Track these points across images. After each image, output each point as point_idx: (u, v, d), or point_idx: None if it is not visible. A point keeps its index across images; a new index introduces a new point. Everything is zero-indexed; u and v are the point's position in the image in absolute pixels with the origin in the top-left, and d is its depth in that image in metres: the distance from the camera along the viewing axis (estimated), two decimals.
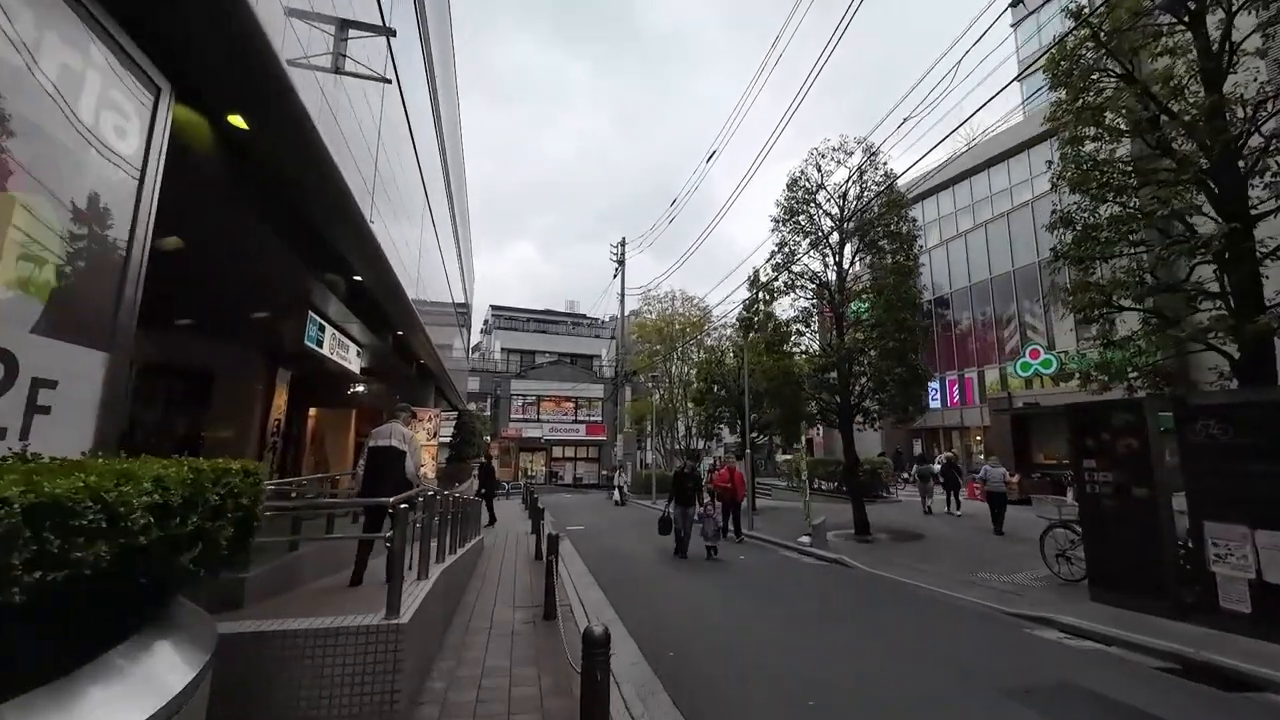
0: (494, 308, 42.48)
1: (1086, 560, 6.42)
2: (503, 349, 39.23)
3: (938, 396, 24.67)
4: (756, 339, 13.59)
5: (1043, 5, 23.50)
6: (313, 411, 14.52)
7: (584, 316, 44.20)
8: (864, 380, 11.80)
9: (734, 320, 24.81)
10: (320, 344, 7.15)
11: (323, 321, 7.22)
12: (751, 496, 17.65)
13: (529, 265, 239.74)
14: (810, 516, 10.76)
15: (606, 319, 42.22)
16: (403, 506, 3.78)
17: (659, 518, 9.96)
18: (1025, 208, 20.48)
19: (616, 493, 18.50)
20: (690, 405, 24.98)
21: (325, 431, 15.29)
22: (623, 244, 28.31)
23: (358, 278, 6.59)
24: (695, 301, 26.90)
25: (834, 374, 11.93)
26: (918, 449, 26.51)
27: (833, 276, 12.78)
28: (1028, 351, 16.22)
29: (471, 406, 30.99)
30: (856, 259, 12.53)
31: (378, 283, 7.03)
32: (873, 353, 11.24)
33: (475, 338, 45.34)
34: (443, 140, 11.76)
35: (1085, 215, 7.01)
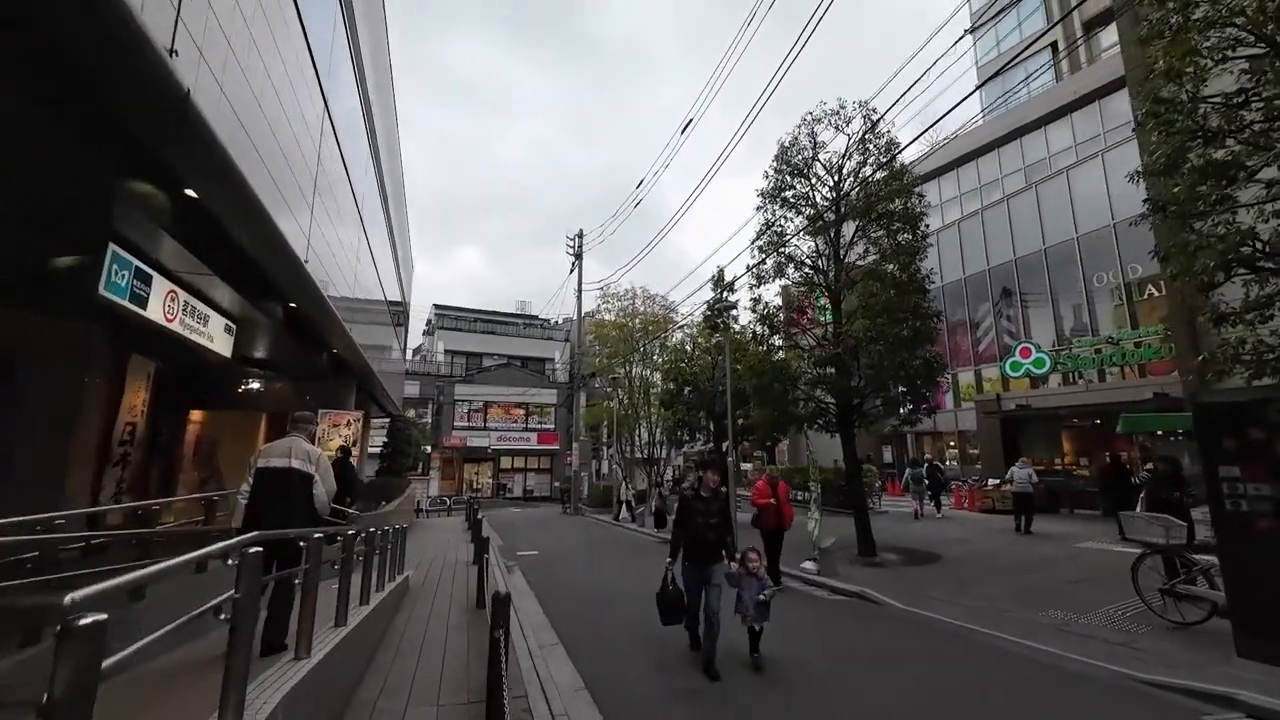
0: (437, 306, 39.31)
1: (1229, 600, 4.82)
2: (446, 350, 36.14)
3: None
4: (741, 332, 11.76)
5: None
6: (195, 415, 11.64)
7: (535, 318, 41.63)
8: (869, 375, 10.17)
9: (699, 319, 23.19)
10: (142, 302, 4.72)
11: (142, 266, 4.79)
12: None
13: (476, 271, 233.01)
14: (818, 538, 8.98)
15: (560, 320, 39.84)
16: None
17: (657, 592, 5.13)
18: (999, 205, 19.82)
19: (625, 509, 16.25)
20: (656, 410, 23.07)
21: (219, 441, 12.36)
22: (580, 236, 26.22)
23: (190, 192, 4.22)
24: (658, 299, 25.05)
25: (833, 369, 10.25)
26: (888, 456, 25.56)
27: (828, 259, 11.18)
28: (1018, 350, 15.23)
29: (410, 414, 27.97)
30: (856, 239, 10.95)
31: (239, 212, 4.70)
32: (879, 346, 9.60)
33: (416, 339, 41.93)
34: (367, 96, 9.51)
35: (1194, 158, 5.50)
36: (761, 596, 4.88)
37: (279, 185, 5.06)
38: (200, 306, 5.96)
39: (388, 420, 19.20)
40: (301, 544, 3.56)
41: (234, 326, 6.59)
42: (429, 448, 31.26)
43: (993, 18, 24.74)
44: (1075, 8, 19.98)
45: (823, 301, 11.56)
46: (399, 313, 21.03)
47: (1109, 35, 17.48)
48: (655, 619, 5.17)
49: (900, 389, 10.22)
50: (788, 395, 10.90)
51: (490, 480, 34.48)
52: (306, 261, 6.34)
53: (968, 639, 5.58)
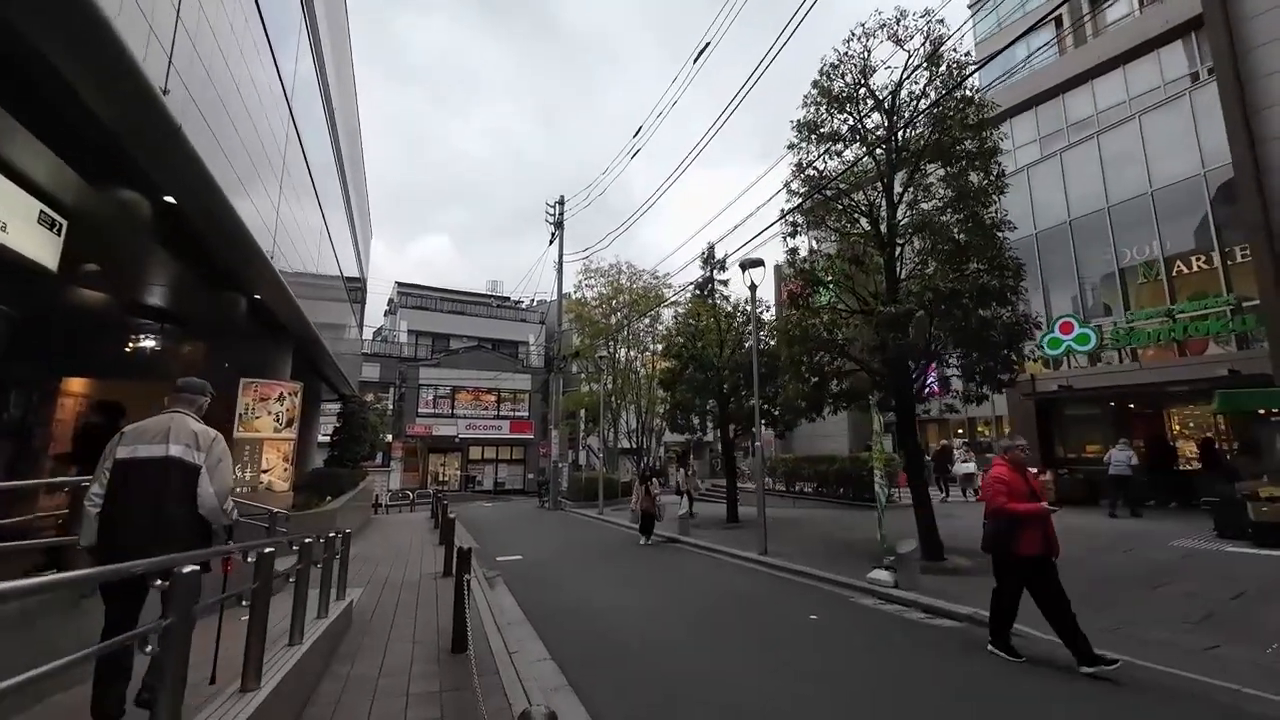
0: (400, 284, 36.20)
1: None
2: (410, 331, 33.20)
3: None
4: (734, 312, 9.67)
5: None
6: (75, 384, 8.99)
7: (507, 298, 38.92)
8: (939, 338, 8.31)
9: (687, 299, 21.17)
10: None
11: None
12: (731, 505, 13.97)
13: (441, 260, 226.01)
14: (887, 538, 7.07)
15: (535, 302, 37.27)
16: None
17: None
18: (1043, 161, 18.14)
19: (686, 501, 13.96)
20: (647, 393, 21.01)
21: (110, 421, 9.68)
22: (561, 203, 23.82)
23: None
24: (645, 275, 22.92)
25: (894, 333, 8.35)
26: (888, 444, 24.12)
27: (879, 204, 9.26)
28: (1057, 325, 13.73)
29: (369, 398, 25.15)
30: (916, 180, 9.04)
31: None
32: (965, 300, 7.70)
33: (377, 320, 38.77)
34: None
35: None
36: None
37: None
38: None
39: (337, 403, 16.59)
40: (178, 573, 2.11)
41: (61, 223, 4.19)
42: (389, 436, 28.48)
43: None
44: None
45: (876, 257, 9.64)
46: (355, 289, 18.38)
47: None
48: (698, 654, 3.12)
49: (974, 355, 8.40)
50: (831, 365, 8.98)
51: (458, 472, 31.86)
52: (182, 129, 4.00)
53: (1202, 698, 3.70)
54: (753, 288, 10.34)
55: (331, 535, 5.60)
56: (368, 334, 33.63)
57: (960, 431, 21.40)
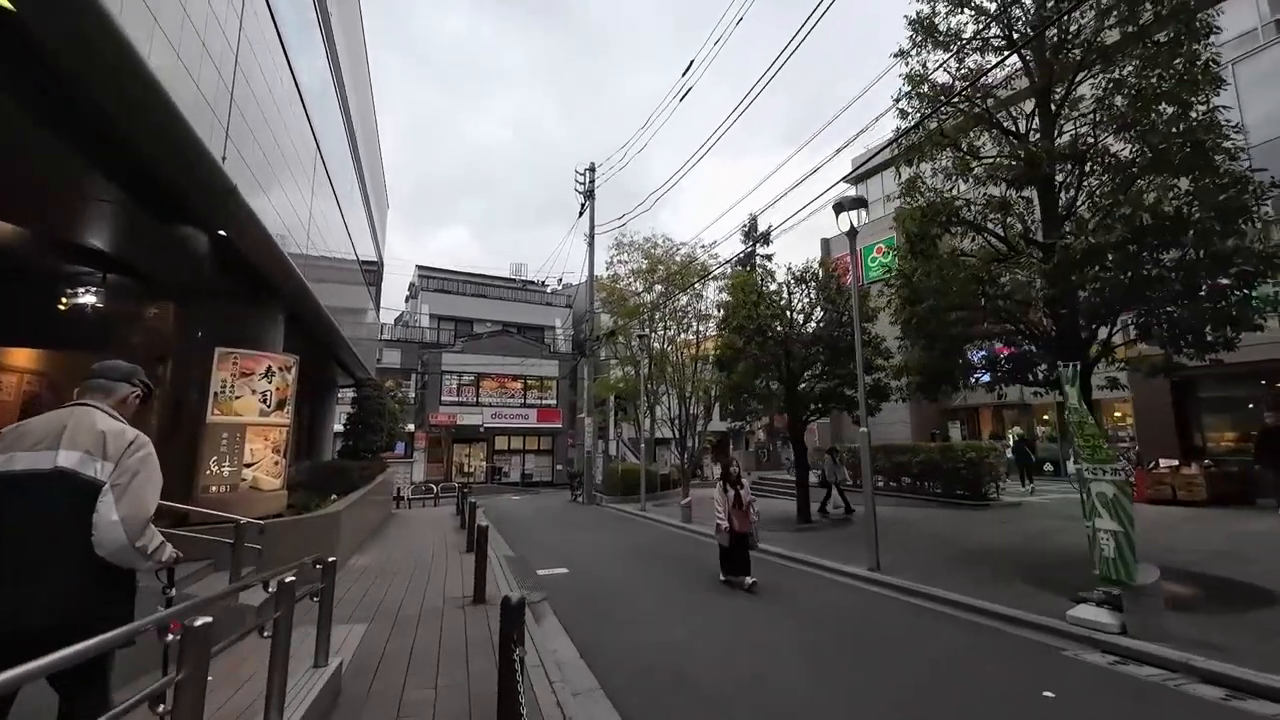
0: (420, 268, 34.61)
1: None
2: (431, 315, 31.59)
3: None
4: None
5: None
6: (22, 356, 7.30)
7: (532, 281, 37.07)
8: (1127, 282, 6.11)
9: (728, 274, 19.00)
10: None
11: None
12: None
13: (462, 250, 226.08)
14: (1123, 560, 4.88)
15: (561, 284, 35.36)
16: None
17: None
18: None
19: (835, 491, 11.91)
20: (691, 376, 18.96)
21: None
22: (591, 169, 21.78)
23: None
24: (684, 248, 20.73)
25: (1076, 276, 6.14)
26: (956, 433, 21.75)
27: (1027, 121, 7.02)
28: None
29: (389, 385, 23.56)
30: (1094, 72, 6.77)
31: None
32: (1197, 225, 5.50)
33: (397, 305, 37.41)
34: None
35: None
36: None
37: None
38: None
39: (354, 389, 14.91)
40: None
41: None
42: (412, 426, 26.98)
43: None
44: None
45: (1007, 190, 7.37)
46: (372, 272, 16.67)
47: None
48: None
49: (1174, 307, 6.19)
50: (976, 325, 6.82)
51: (483, 463, 30.29)
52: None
53: None
54: (853, 233, 8.20)
55: (315, 564, 3.72)
56: (389, 317, 32.16)
57: (1046, 418, 18.91)
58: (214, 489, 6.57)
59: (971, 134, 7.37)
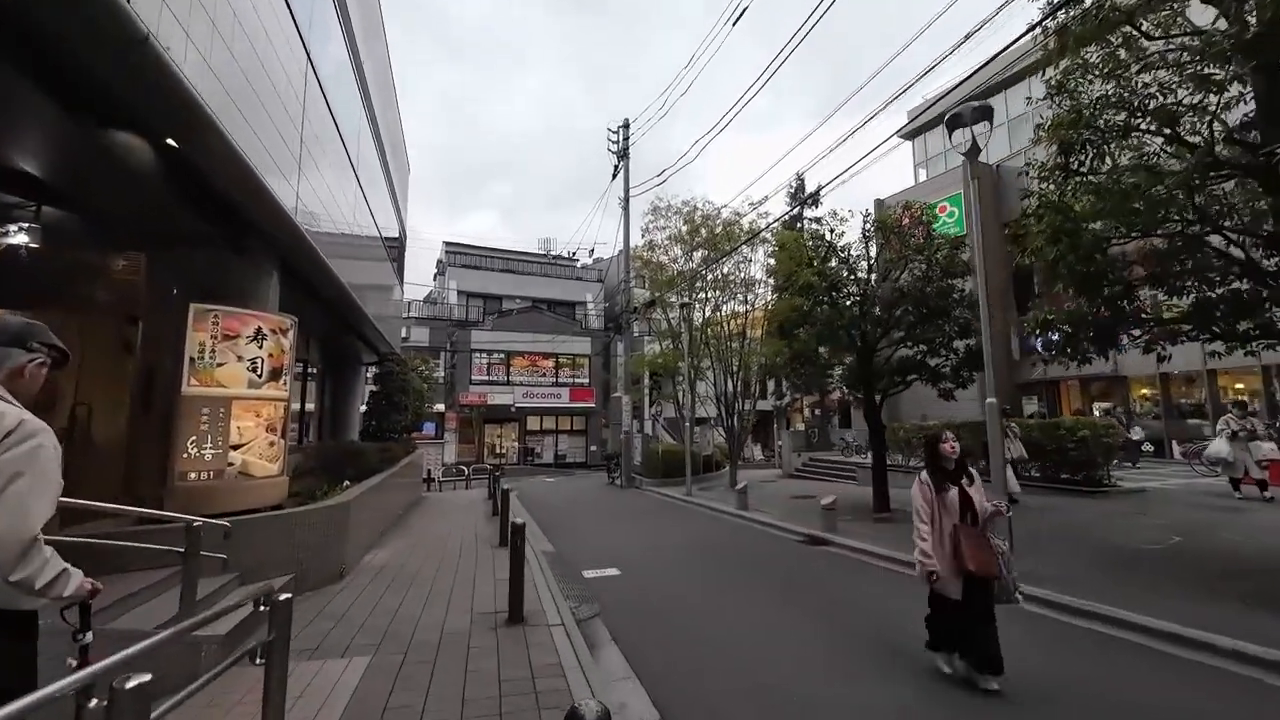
0: (448, 244, 33.53)
1: None
2: (460, 291, 30.55)
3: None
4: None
5: None
6: None
7: (561, 256, 35.66)
8: None
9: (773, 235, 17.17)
10: None
11: None
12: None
13: (488, 231, 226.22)
14: None
15: (593, 257, 33.86)
16: None
17: None
18: None
19: (1012, 473, 8.65)
20: (739, 348, 17.36)
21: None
22: (625, 126, 20.06)
23: None
24: (726, 211, 18.89)
25: None
26: (1030, 406, 19.62)
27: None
28: None
29: (418, 363, 22.63)
30: None
31: None
32: None
33: (425, 283, 36.57)
34: None
35: None
36: None
37: None
38: None
39: (376, 363, 13.80)
40: None
41: None
42: (441, 406, 26.13)
43: None
44: None
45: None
46: (394, 248, 15.45)
47: None
48: None
49: None
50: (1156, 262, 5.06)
51: (515, 444, 29.39)
52: None
53: None
54: (973, 151, 6.43)
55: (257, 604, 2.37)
56: (419, 294, 31.26)
57: (1145, 393, 16.68)
58: (193, 475, 5.37)
59: (1155, 13, 5.49)
